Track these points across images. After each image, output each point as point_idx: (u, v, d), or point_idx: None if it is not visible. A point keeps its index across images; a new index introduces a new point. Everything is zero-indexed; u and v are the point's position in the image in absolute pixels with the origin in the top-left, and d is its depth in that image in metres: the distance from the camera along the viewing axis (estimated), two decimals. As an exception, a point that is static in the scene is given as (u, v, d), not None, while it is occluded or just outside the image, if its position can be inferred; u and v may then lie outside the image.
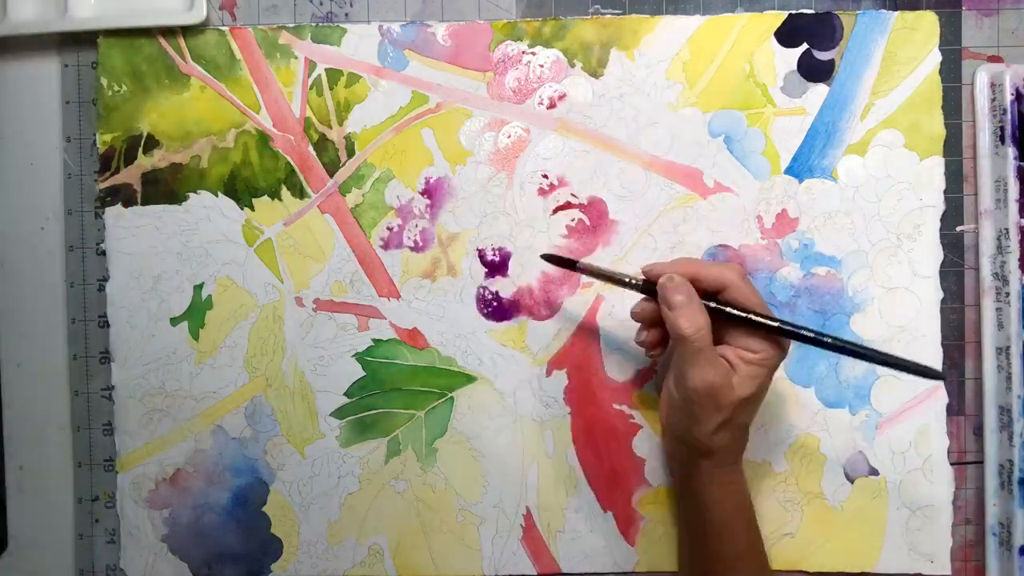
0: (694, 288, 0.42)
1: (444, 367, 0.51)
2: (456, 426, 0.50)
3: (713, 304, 0.43)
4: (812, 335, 0.42)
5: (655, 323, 0.45)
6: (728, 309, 0.42)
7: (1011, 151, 0.49)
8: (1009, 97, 0.49)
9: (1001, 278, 0.49)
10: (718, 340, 0.43)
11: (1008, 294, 0.49)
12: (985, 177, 0.50)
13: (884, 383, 0.50)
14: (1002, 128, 0.49)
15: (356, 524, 0.50)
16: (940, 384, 0.50)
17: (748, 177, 0.50)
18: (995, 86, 0.49)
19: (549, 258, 0.47)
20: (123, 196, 0.51)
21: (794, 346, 0.50)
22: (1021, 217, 0.49)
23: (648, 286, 0.44)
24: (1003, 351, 0.49)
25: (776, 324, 0.42)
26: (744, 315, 0.42)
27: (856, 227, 0.50)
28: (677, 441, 0.45)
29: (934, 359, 0.50)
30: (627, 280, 0.45)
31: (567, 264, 0.47)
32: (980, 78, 0.50)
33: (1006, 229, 0.49)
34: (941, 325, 0.50)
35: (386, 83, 0.50)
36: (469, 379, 0.51)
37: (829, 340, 0.42)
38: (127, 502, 0.51)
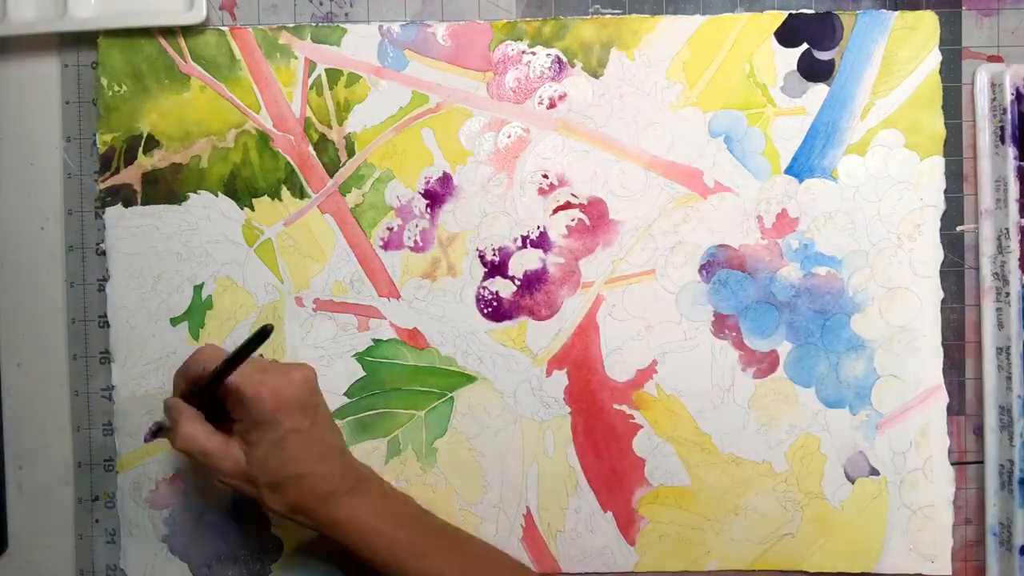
0: (191, 385, 0.43)
1: (444, 367, 0.51)
2: (456, 426, 0.50)
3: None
4: (222, 367, 0.41)
5: None
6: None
7: (1011, 151, 0.49)
8: (1009, 97, 0.49)
9: (1001, 278, 0.49)
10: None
11: (1008, 294, 0.49)
12: (985, 177, 0.50)
13: (885, 383, 0.50)
14: (1002, 128, 0.49)
15: (356, 524, 0.50)
16: (941, 384, 0.50)
17: (748, 177, 0.50)
18: (995, 86, 0.49)
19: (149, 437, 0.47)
20: (123, 196, 0.51)
21: (796, 346, 0.50)
22: (1021, 217, 0.49)
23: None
24: (1003, 351, 0.49)
25: (214, 371, 0.41)
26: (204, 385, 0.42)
27: (856, 227, 0.50)
28: (286, 520, 0.44)
29: (935, 359, 0.50)
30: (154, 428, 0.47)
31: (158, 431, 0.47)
32: (980, 78, 0.50)
33: (1006, 229, 0.49)
34: (941, 325, 0.50)
35: (386, 83, 0.50)
36: (469, 379, 0.51)
37: (220, 368, 0.41)
38: (127, 502, 0.51)
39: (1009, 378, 0.49)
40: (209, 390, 0.42)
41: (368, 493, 0.45)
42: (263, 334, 0.39)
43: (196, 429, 0.42)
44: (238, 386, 0.41)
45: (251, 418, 0.41)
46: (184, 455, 0.43)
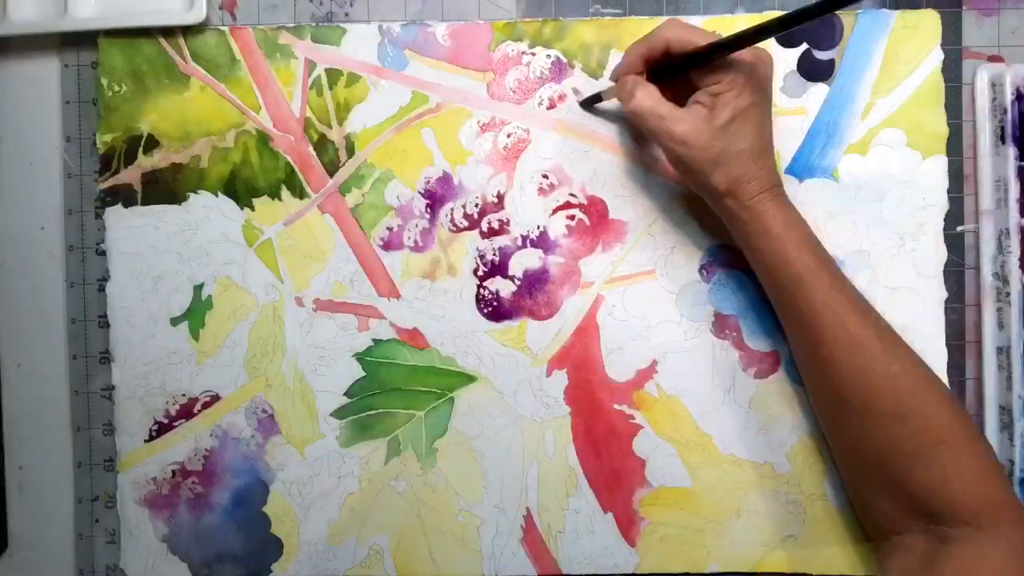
0: (652, 59, 0.44)
1: (444, 367, 0.50)
2: (456, 426, 0.50)
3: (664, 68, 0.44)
4: (735, 39, 0.41)
5: None
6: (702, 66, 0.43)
7: (1011, 151, 0.49)
8: (1009, 97, 0.49)
9: (1001, 278, 0.49)
10: (696, 90, 0.44)
11: (1009, 294, 0.49)
12: (985, 177, 0.50)
13: (885, 383, 0.50)
14: (1002, 128, 0.49)
15: (356, 524, 0.50)
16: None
17: (748, 177, 0.50)
18: (995, 86, 0.49)
19: (584, 103, 0.50)
20: (123, 196, 0.51)
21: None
22: (1021, 217, 0.49)
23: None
24: (1003, 351, 0.49)
25: (704, 48, 0.42)
26: (682, 59, 0.43)
27: (858, 227, 0.50)
28: (708, 200, 0.46)
29: (939, 359, 0.49)
30: (599, 96, 0.49)
31: (595, 100, 0.50)
32: (980, 78, 0.50)
33: (1007, 229, 0.49)
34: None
35: (386, 83, 0.50)
36: (469, 379, 0.50)
37: (752, 32, 0.41)
38: (127, 502, 0.51)
39: (1009, 378, 0.48)
40: (684, 64, 0.43)
41: (787, 202, 0.45)
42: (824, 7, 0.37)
43: (652, 94, 0.43)
44: (731, 39, 0.41)
45: (727, 82, 0.42)
46: (636, 118, 0.44)
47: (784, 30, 0.40)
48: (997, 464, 0.43)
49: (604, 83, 0.50)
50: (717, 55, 0.42)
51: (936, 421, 0.42)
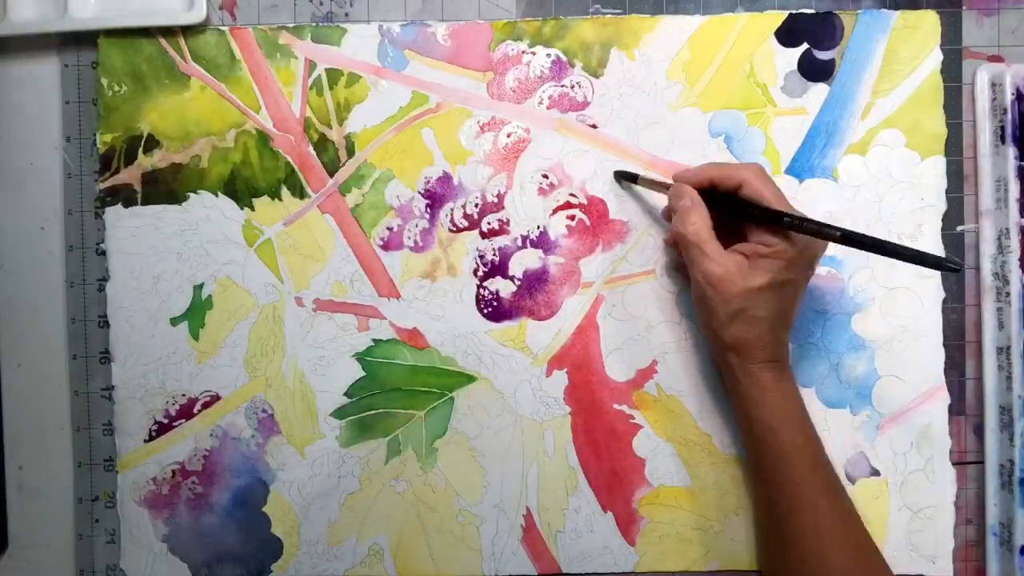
0: (715, 189, 0.45)
1: (444, 367, 0.51)
2: (456, 426, 0.50)
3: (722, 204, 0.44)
4: (815, 227, 0.41)
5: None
6: (756, 210, 0.43)
7: (1011, 151, 0.49)
8: (1009, 97, 0.49)
9: (1002, 278, 0.49)
10: (742, 237, 0.44)
11: (1008, 294, 0.49)
12: (985, 177, 0.50)
13: (885, 383, 0.50)
14: (1002, 128, 0.49)
15: (356, 524, 0.50)
16: (942, 385, 0.50)
17: (748, 177, 0.50)
18: (995, 86, 0.49)
19: (620, 175, 0.50)
20: (123, 196, 0.51)
21: (796, 346, 0.50)
22: (1021, 217, 0.49)
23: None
24: (1004, 351, 0.49)
25: (778, 213, 0.42)
26: (749, 208, 0.43)
27: (857, 227, 0.50)
28: (709, 341, 0.46)
29: (936, 359, 0.50)
30: (665, 185, 0.47)
31: (630, 178, 0.49)
32: (980, 78, 0.50)
33: (1007, 229, 0.49)
34: (942, 325, 0.50)
35: (386, 83, 0.50)
36: (469, 379, 0.51)
37: (838, 233, 0.40)
38: (127, 502, 0.51)
39: (1009, 378, 0.48)
40: (742, 213, 0.43)
41: (788, 377, 0.45)
42: (946, 265, 0.38)
43: (706, 222, 0.44)
44: (799, 221, 0.41)
45: (776, 250, 0.42)
46: (680, 239, 0.44)
47: (872, 251, 0.40)
48: None
49: (645, 170, 0.50)
50: (782, 226, 0.42)
51: None
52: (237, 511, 0.51)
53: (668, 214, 0.48)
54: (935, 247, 0.50)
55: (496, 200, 0.50)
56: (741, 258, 0.43)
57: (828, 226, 0.41)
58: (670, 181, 0.47)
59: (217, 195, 0.50)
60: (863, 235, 0.40)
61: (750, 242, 0.43)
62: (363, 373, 0.51)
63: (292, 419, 0.51)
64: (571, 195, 0.50)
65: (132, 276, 0.51)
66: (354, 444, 0.50)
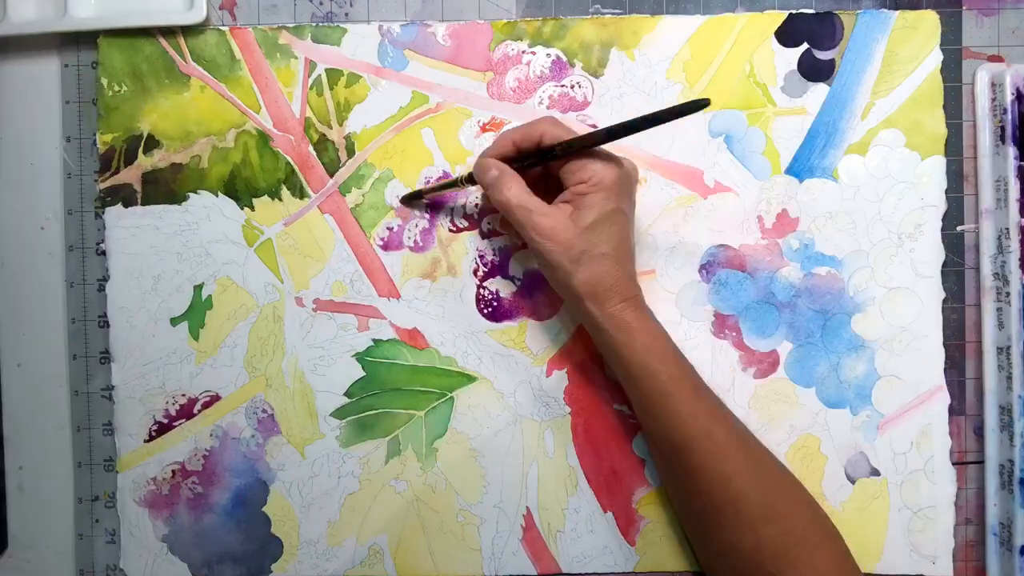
0: (519, 151, 0.45)
1: (444, 367, 0.51)
2: (456, 426, 0.50)
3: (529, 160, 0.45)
4: (580, 141, 0.43)
5: None
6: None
7: (1011, 151, 0.49)
8: (1009, 97, 0.49)
9: (1002, 278, 0.49)
10: (562, 188, 0.44)
11: (1008, 294, 0.49)
12: (985, 177, 0.50)
13: (885, 383, 0.50)
14: (1002, 128, 0.49)
15: (356, 524, 0.50)
16: (942, 385, 0.50)
17: (748, 177, 0.50)
18: (995, 86, 0.49)
19: (405, 200, 0.50)
20: (123, 196, 0.51)
21: (796, 346, 0.50)
22: (1021, 217, 0.49)
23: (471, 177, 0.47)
24: (1004, 351, 0.49)
25: (590, 137, 0.43)
26: (552, 151, 0.43)
27: (857, 227, 0.50)
28: (567, 302, 0.46)
29: (936, 359, 0.50)
30: (459, 180, 0.47)
31: (415, 196, 0.50)
32: (980, 78, 0.50)
33: (1006, 229, 0.49)
34: (942, 325, 0.50)
35: (386, 83, 0.50)
36: (469, 379, 0.51)
37: (602, 134, 0.42)
38: (127, 502, 0.51)
39: (1009, 378, 0.48)
40: (549, 155, 0.44)
41: (647, 311, 0.45)
42: (695, 106, 0.39)
43: (520, 185, 0.44)
44: (595, 151, 0.43)
45: (593, 183, 0.43)
46: (503, 208, 0.44)
47: (646, 127, 0.41)
48: (852, 563, 0.44)
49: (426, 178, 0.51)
50: (584, 147, 0.43)
51: (800, 521, 0.43)
52: (237, 511, 0.51)
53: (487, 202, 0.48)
54: (935, 247, 0.50)
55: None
56: (566, 206, 0.44)
57: (592, 134, 0.42)
58: (459, 176, 0.47)
59: (217, 195, 0.51)
60: (622, 123, 0.41)
61: (568, 190, 0.44)
62: (363, 373, 0.51)
63: (292, 419, 0.51)
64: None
65: (132, 276, 0.51)
66: (354, 444, 0.50)
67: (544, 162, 0.44)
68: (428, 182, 0.50)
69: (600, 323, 0.44)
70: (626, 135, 0.42)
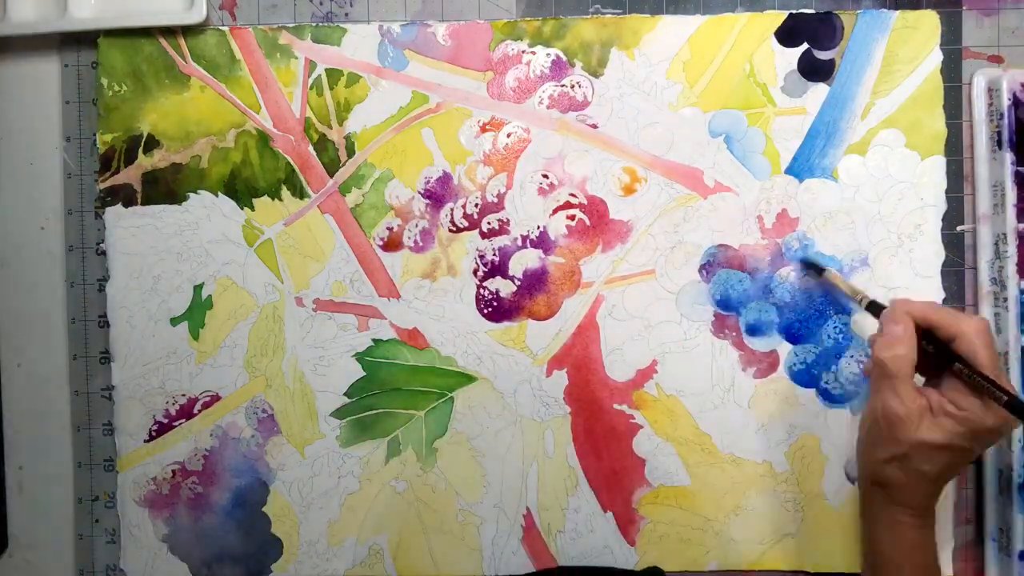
0: (931, 332, 0.42)
1: (444, 367, 0.51)
2: (456, 426, 0.50)
3: (933, 349, 0.42)
4: (1008, 403, 0.39)
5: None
6: (961, 367, 0.41)
7: (1008, 156, 0.48)
8: (1006, 102, 0.48)
9: (999, 283, 0.49)
10: (933, 384, 0.42)
11: (1006, 299, 0.49)
12: (982, 181, 0.50)
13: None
14: (999, 133, 0.49)
15: (356, 524, 0.51)
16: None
17: (748, 177, 0.50)
18: (992, 91, 0.49)
19: (805, 264, 0.50)
20: (123, 196, 0.50)
21: (794, 347, 0.50)
22: (1019, 222, 0.48)
23: (875, 309, 0.45)
24: (1001, 356, 0.49)
25: (995, 391, 0.39)
26: (957, 364, 0.41)
27: (857, 227, 0.50)
28: (861, 466, 0.45)
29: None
30: (860, 298, 0.46)
31: (815, 269, 0.49)
32: (977, 83, 0.50)
33: (1004, 234, 0.49)
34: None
35: (386, 83, 0.50)
36: (469, 379, 0.51)
37: (1013, 405, 0.39)
38: (127, 502, 0.51)
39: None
40: (948, 360, 0.41)
41: (931, 531, 0.43)
42: None
43: (911, 357, 0.41)
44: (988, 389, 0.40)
45: (963, 417, 0.40)
46: (876, 360, 0.42)
47: None
48: None
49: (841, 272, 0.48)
50: (984, 390, 0.40)
51: None
52: (237, 511, 0.51)
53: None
54: (935, 246, 0.49)
55: (496, 200, 0.50)
56: (926, 404, 0.41)
57: (1001, 392, 0.39)
58: (863, 292, 0.46)
59: (217, 195, 0.50)
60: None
61: (942, 392, 0.41)
62: (363, 373, 0.51)
63: (292, 419, 0.51)
64: (571, 195, 0.50)
65: (132, 276, 0.51)
66: (354, 444, 0.50)
67: (941, 363, 0.41)
68: (428, 181, 0.50)
69: (876, 510, 0.43)
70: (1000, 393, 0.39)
